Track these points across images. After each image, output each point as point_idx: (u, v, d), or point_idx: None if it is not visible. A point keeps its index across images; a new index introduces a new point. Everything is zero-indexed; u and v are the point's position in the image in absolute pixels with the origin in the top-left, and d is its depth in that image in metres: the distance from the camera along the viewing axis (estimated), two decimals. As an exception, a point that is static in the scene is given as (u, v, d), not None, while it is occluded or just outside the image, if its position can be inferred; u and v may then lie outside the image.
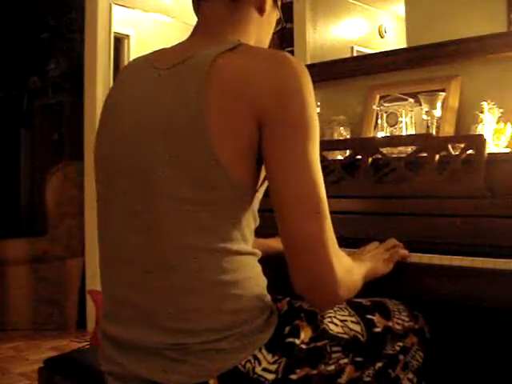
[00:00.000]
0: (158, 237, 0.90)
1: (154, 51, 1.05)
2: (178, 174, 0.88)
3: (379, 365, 1.05)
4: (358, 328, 1.03)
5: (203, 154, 0.86)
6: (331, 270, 0.87)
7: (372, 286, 1.16)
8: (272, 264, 0.99)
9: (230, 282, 0.90)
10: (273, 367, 0.90)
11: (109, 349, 0.96)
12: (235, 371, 0.88)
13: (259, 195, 0.97)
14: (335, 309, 1.04)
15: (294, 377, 0.92)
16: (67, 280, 3.44)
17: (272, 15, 1.09)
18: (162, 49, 1.05)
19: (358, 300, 1.10)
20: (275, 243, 1.24)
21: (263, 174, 0.93)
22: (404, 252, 1.22)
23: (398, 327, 1.09)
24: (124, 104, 0.98)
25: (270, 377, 0.90)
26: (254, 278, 0.94)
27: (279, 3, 1.10)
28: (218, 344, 0.88)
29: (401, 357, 1.09)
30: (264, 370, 0.90)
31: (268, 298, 0.97)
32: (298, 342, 0.93)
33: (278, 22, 1.14)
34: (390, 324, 1.08)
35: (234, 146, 0.87)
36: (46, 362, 1.45)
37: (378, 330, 1.06)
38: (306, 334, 0.95)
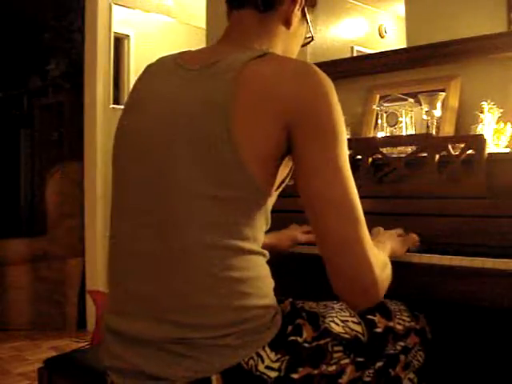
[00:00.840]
0: (170, 230, 0.91)
1: (181, 52, 1.07)
2: (198, 172, 0.89)
3: (379, 364, 1.05)
4: (359, 328, 1.03)
5: (228, 155, 0.88)
6: (370, 271, 0.88)
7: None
8: (273, 265, 0.99)
9: (240, 279, 0.90)
10: (276, 365, 0.91)
11: (112, 343, 0.96)
12: (238, 368, 0.89)
13: (274, 198, 0.98)
14: (336, 309, 1.04)
15: (295, 376, 0.93)
16: (67, 280, 3.44)
17: (300, 28, 1.12)
18: (189, 50, 1.07)
19: None
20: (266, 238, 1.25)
21: (279, 178, 0.96)
22: (415, 236, 1.28)
23: (399, 327, 1.10)
24: (150, 100, 1.00)
25: (273, 374, 0.91)
26: (262, 278, 0.95)
27: (308, 18, 1.13)
28: (224, 340, 0.88)
29: (402, 357, 1.09)
30: (267, 367, 0.90)
31: (274, 298, 0.98)
32: (300, 340, 0.95)
33: (308, 36, 1.17)
34: (391, 324, 1.09)
35: (260, 151, 0.89)
36: (45, 362, 1.45)
37: (378, 330, 1.06)
38: (308, 333, 0.96)
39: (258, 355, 0.90)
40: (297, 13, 1.08)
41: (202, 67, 0.96)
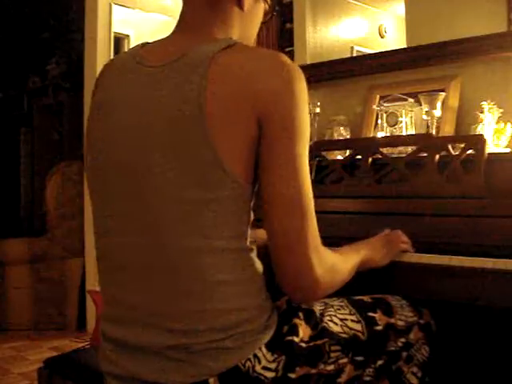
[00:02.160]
0: (158, 238, 0.89)
1: (135, 47, 1.03)
2: (178, 174, 0.87)
3: (380, 362, 1.05)
4: (358, 327, 1.03)
5: (204, 153, 0.86)
6: (309, 267, 0.89)
7: (372, 286, 1.16)
8: (269, 263, 0.99)
9: (232, 281, 0.90)
10: (272, 365, 0.91)
11: (109, 350, 0.96)
12: (235, 370, 0.88)
13: (255, 193, 0.97)
14: (335, 307, 1.04)
15: (293, 375, 0.92)
16: (67, 280, 3.44)
17: (256, 7, 1.07)
18: (147, 44, 1.03)
19: (359, 297, 1.10)
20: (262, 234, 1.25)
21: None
22: (406, 247, 1.24)
23: (400, 323, 1.09)
24: (116, 104, 0.96)
25: (270, 375, 0.90)
26: (254, 276, 0.94)
27: None
28: (220, 343, 0.88)
29: (404, 353, 1.09)
30: (264, 368, 0.90)
31: (268, 296, 0.97)
32: (296, 339, 0.94)
33: (267, 12, 1.12)
34: (393, 321, 1.08)
35: (236, 146, 0.88)
36: (45, 362, 1.45)
37: (379, 328, 1.05)
38: (304, 333, 0.95)
39: (255, 356, 0.90)
40: None
41: (167, 63, 0.93)
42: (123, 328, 0.93)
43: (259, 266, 0.97)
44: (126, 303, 0.94)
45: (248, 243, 0.94)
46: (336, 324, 1.00)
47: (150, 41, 1.05)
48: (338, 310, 1.03)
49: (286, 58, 0.93)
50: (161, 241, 0.89)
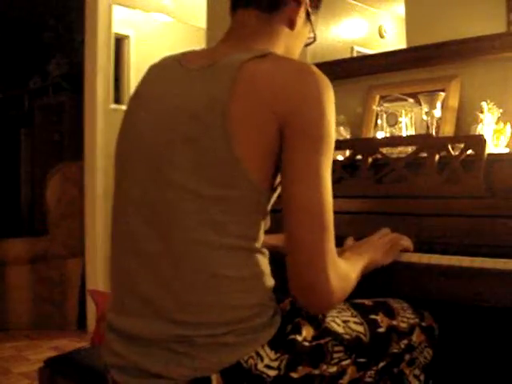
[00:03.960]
0: (169, 230, 0.91)
1: (184, 52, 1.07)
2: (196, 168, 0.90)
3: (382, 364, 1.05)
4: (360, 329, 1.03)
5: (222, 151, 0.88)
6: (326, 280, 0.89)
7: (371, 286, 1.16)
8: (275, 264, 1.00)
9: (238, 277, 0.91)
10: (275, 364, 0.91)
11: (114, 341, 0.96)
12: (238, 367, 0.89)
13: (272, 198, 0.98)
14: (338, 310, 1.04)
15: (295, 375, 0.93)
16: (67, 280, 3.44)
17: (304, 29, 1.12)
18: (192, 50, 1.08)
19: (361, 301, 1.10)
20: (269, 239, 1.24)
21: (279, 178, 0.95)
22: (406, 244, 1.23)
23: (403, 325, 1.09)
24: (152, 100, 1.01)
25: (272, 373, 0.91)
26: (261, 276, 0.95)
27: (312, 18, 1.13)
28: (222, 338, 0.89)
29: (406, 355, 1.09)
30: (266, 366, 0.91)
31: (273, 297, 0.98)
32: (299, 338, 0.94)
33: (310, 33, 1.16)
34: (395, 323, 1.08)
35: (256, 149, 0.90)
36: (46, 362, 1.45)
37: (381, 330, 1.05)
38: (307, 332, 0.96)
39: (258, 354, 0.91)
40: (301, 14, 1.08)
41: (203, 67, 0.97)
42: (129, 318, 0.95)
43: (266, 267, 0.97)
44: (133, 292, 0.95)
45: (258, 245, 0.95)
46: (338, 325, 1.01)
47: (197, 48, 1.10)
48: (340, 312, 1.04)
49: (315, 69, 0.94)
50: (171, 231, 0.91)
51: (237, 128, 0.89)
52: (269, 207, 0.98)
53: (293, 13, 1.06)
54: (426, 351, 1.13)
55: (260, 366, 0.90)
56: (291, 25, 1.07)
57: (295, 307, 1.01)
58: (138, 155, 0.98)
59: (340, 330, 1.00)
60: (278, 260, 1.03)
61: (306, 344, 0.95)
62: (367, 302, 1.11)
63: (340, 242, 1.26)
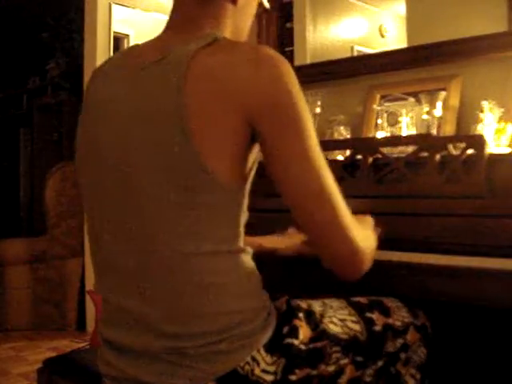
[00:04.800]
0: (148, 243, 0.88)
1: (127, 49, 1.02)
2: (163, 176, 0.86)
3: (380, 363, 1.05)
4: (357, 327, 1.03)
5: (186, 156, 0.84)
6: (354, 246, 0.91)
7: (371, 285, 1.16)
8: (268, 261, 0.99)
9: (224, 283, 0.89)
10: (272, 368, 0.90)
11: (107, 352, 0.95)
12: (234, 374, 0.87)
13: (248, 188, 0.94)
14: (335, 308, 1.04)
15: (293, 378, 0.92)
16: (67, 280, 3.44)
17: (249, 2, 1.05)
18: (136, 45, 1.02)
19: (357, 299, 1.10)
20: (267, 242, 1.24)
21: (250, 162, 0.92)
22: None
23: (398, 323, 1.09)
24: (100, 106, 0.96)
25: (269, 378, 0.89)
26: (248, 277, 0.93)
27: None
28: (216, 346, 0.87)
29: (402, 354, 1.09)
30: (263, 371, 0.89)
31: (265, 297, 0.96)
32: (296, 342, 0.93)
33: (259, 4, 1.09)
34: (390, 321, 1.08)
35: (221, 148, 0.86)
36: (45, 363, 1.45)
37: (377, 328, 1.05)
38: (304, 334, 0.95)
39: (254, 359, 0.89)
40: None
41: (150, 64, 0.91)
42: (119, 331, 0.93)
43: (251, 266, 0.95)
44: (120, 306, 0.93)
45: (241, 244, 0.93)
46: (336, 325, 1.00)
47: (140, 42, 1.03)
48: (337, 310, 1.03)
49: (270, 52, 0.89)
50: (151, 244, 0.88)
51: (197, 128, 0.83)
52: (246, 202, 0.94)
53: None
54: (421, 350, 1.12)
55: (257, 372, 0.88)
56: (233, 0, 1.00)
57: (291, 307, 0.99)
58: (102, 169, 0.93)
59: (337, 329, 0.99)
60: (269, 257, 1.02)
61: (303, 347, 0.93)
62: (362, 300, 1.10)
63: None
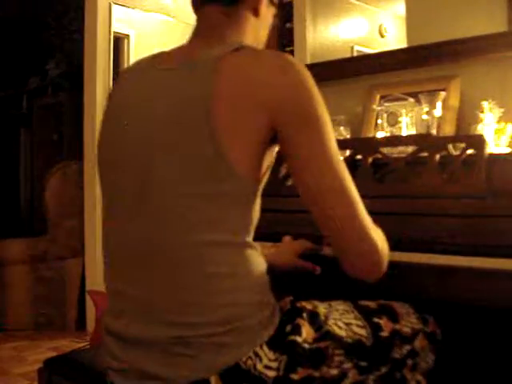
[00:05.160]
0: (160, 231, 0.91)
1: (155, 54, 1.06)
2: (181, 169, 0.90)
3: (384, 369, 1.04)
4: (363, 332, 1.02)
5: (208, 148, 0.88)
6: (373, 244, 0.92)
7: (371, 285, 1.16)
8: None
9: (230, 274, 0.91)
10: (274, 364, 0.91)
11: (111, 344, 0.97)
12: (237, 368, 0.89)
13: (262, 187, 0.98)
14: (340, 312, 1.03)
15: (295, 377, 0.92)
16: (67, 280, 3.44)
17: (268, 14, 1.13)
18: (163, 51, 1.07)
19: (365, 303, 1.10)
20: (277, 259, 1.24)
21: (265, 165, 0.96)
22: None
23: (406, 330, 1.08)
24: (127, 105, 1.00)
25: (271, 374, 0.90)
26: (254, 273, 0.94)
27: (275, 1, 1.14)
28: (218, 338, 0.88)
29: (409, 361, 1.08)
30: (265, 367, 0.90)
31: (270, 295, 0.97)
32: (299, 339, 0.94)
33: (275, 15, 1.17)
34: (398, 327, 1.07)
35: (243, 143, 0.90)
36: (45, 363, 1.45)
37: (384, 334, 1.05)
38: (307, 333, 0.95)
39: (256, 355, 0.90)
40: (263, 0, 1.09)
41: (178, 66, 0.97)
42: (125, 321, 0.95)
43: (261, 263, 0.97)
44: (128, 296, 0.95)
45: (249, 239, 0.95)
46: (340, 328, 1.00)
47: (167, 49, 1.09)
48: (343, 314, 1.03)
49: (291, 57, 0.96)
50: (163, 233, 0.91)
51: (222, 125, 0.88)
52: (259, 200, 0.97)
53: (255, 1, 1.07)
54: (428, 356, 1.12)
55: (259, 367, 0.90)
56: (256, 13, 1.08)
57: (296, 307, 1.00)
58: (123, 162, 0.97)
59: (342, 333, 0.99)
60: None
61: (306, 346, 0.94)
62: (372, 304, 1.10)
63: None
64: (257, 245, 0.97)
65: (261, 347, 0.91)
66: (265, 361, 0.90)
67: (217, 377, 0.88)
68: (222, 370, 0.88)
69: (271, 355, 0.91)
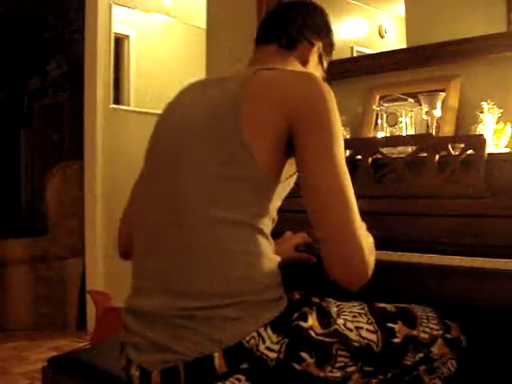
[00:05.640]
0: (182, 208, 0.99)
1: (208, 77, 1.17)
2: (209, 155, 0.99)
3: (390, 374, 1.04)
4: (373, 337, 1.02)
5: (234, 137, 0.98)
6: (361, 253, 0.94)
7: (371, 286, 1.16)
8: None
9: (242, 251, 0.95)
10: (276, 347, 0.93)
11: (129, 321, 1.02)
12: (240, 346, 0.91)
13: (282, 191, 1.05)
14: (354, 314, 1.03)
15: (298, 367, 0.94)
16: (67, 280, 3.44)
17: (315, 70, 1.26)
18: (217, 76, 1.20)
19: (383, 305, 1.09)
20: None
21: (287, 170, 1.03)
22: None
23: (423, 336, 1.08)
24: (177, 107, 1.14)
25: (272, 355, 0.93)
26: (267, 257, 0.99)
27: (325, 63, 1.30)
28: (222, 311, 0.92)
29: (421, 367, 1.07)
30: (267, 348, 0.93)
31: (280, 283, 1.00)
32: (304, 325, 0.96)
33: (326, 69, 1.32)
34: (415, 333, 1.07)
35: (262, 139, 0.98)
36: (49, 361, 1.45)
37: (397, 340, 1.04)
38: (314, 324, 0.97)
39: (260, 335, 0.92)
40: (314, 55, 1.25)
41: (220, 82, 1.10)
42: (144, 298, 1.00)
43: (271, 254, 1.02)
44: (150, 272, 1.01)
45: (262, 226, 1.00)
46: (350, 330, 1.00)
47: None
48: (355, 317, 1.03)
49: (316, 75, 1.08)
50: (183, 209, 0.98)
51: (246, 119, 0.98)
52: (277, 203, 1.04)
53: (306, 51, 1.24)
54: (450, 363, 1.11)
55: (261, 348, 0.92)
56: (304, 61, 1.24)
57: (305, 298, 1.02)
58: (163, 153, 1.08)
59: (350, 335, 0.99)
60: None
61: (312, 334, 0.96)
62: (389, 307, 1.09)
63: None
64: (270, 238, 1.03)
65: (265, 329, 0.93)
66: (267, 343, 0.93)
67: (220, 353, 0.91)
68: (225, 346, 0.91)
69: (274, 338, 0.93)
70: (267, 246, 1.00)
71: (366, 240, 0.97)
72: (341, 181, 0.96)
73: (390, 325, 1.05)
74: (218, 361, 0.91)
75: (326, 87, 1.02)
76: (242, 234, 0.97)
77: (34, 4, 4.41)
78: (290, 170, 1.04)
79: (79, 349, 1.67)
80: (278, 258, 1.03)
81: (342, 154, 0.99)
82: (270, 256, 1.00)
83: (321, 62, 1.28)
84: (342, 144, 1.00)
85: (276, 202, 1.04)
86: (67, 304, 3.43)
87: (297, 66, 1.22)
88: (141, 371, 0.96)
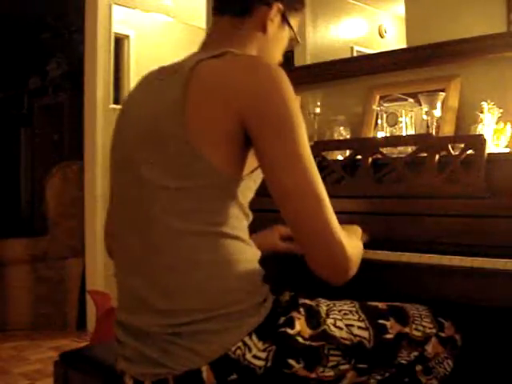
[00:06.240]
0: (148, 223, 0.96)
1: (163, 65, 1.10)
2: (163, 166, 0.95)
3: (389, 373, 1.03)
4: (364, 334, 1.01)
5: (183, 146, 0.92)
6: (342, 249, 0.92)
7: (372, 286, 1.16)
8: (278, 258, 1.00)
9: (211, 261, 0.93)
10: (262, 355, 0.92)
11: (119, 334, 1.01)
12: (226, 358, 0.90)
13: (251, 184, 1.00)
14: (344, 312, 1.02)
15: (287, 371, 0.92)
16: (67, 280, 3.44)
17: (280, 33, 1.12)
18: (170, 63, 1.11)
19: (374, 304, 1.09)
20: (259, 242, 1.24)
21: (249, 165, 0.97)
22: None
23: (416, 334, 1.07)
24: (130, 107, 1.09)
25: (260, 363, 0.91)
26: (242, 262, 0.96)
27: (293, 23, 1.13)
28: (205, 325, 0.90)
29: (418, 367, 1.07)
30: (254, 356, 0.91)
31: (260, 284, 0.98)
32: (291, 332, 0.94)
33: (293, 39, 1.16)
34: (407, 330, 1.06)
35: (209, 135, 0.92)
36: (61, 357, 1.46)
37: (389, 336, 1.03)
38: (302, 329, 0.95)
39: (245, 344, 0.91)
40: (274, 18, 1.09)
41: (168, 75, 1.02)
42: (128, 313, 0.99)
43: (251, 254, 0.99)
44: (129, 287, 1.00)
45: (231, 231, 0.96)
46: (340, 329, 0.99)
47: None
48: (346, 315, 1.02)
49: (263, 60, 0.99)
50: (149, 225, 0.95)
51: (193, 122, 0.92)
52: (244, 199, 0.99)
53: (264, 16, 1.08)
54: (446, 362, 1.11)
55: (248, 357, 0.91)
56: (263, 29, 1.09)
57: (294, 301, 1.00)
58: (120, 160, 1.05)
59: (340, 334, 0.98)
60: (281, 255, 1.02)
61: (300, 340, 0.94)
62: (381, 305, 1.09)
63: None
64: (246, 238, 0.99)
65: (250, 337, 0.91)
66: (254, 351, 0.91)
67: (207, 366, 0.89)
68: (212, 360, 0.89)
69: (260, 345, 0.92)
70: (241, 249, 0.97)
71: (345, 236, 0.94)
72: (309, 179, 0.91)
73: (381, 321, 1.04)
74: (207, 373, 0.89)
75: (276, 73, 0.94)
76: (210, 244, 0.93)
77: (34, 4, 4.41)
78: (253, 161, 0.98)
79: (92, 345, 1.67)
80: (257, 255, 1.00)
81: (305, 146, 0.93)
82: (247, 257, 0.98)
83: (287, 22, 1.12)
84: (304, 135, 0.93)
85: (245, 197, 0.99)
86: (67, 304, 3.43)
87: (255, 39, 1.09)
88: (134, 380, 0.97)
